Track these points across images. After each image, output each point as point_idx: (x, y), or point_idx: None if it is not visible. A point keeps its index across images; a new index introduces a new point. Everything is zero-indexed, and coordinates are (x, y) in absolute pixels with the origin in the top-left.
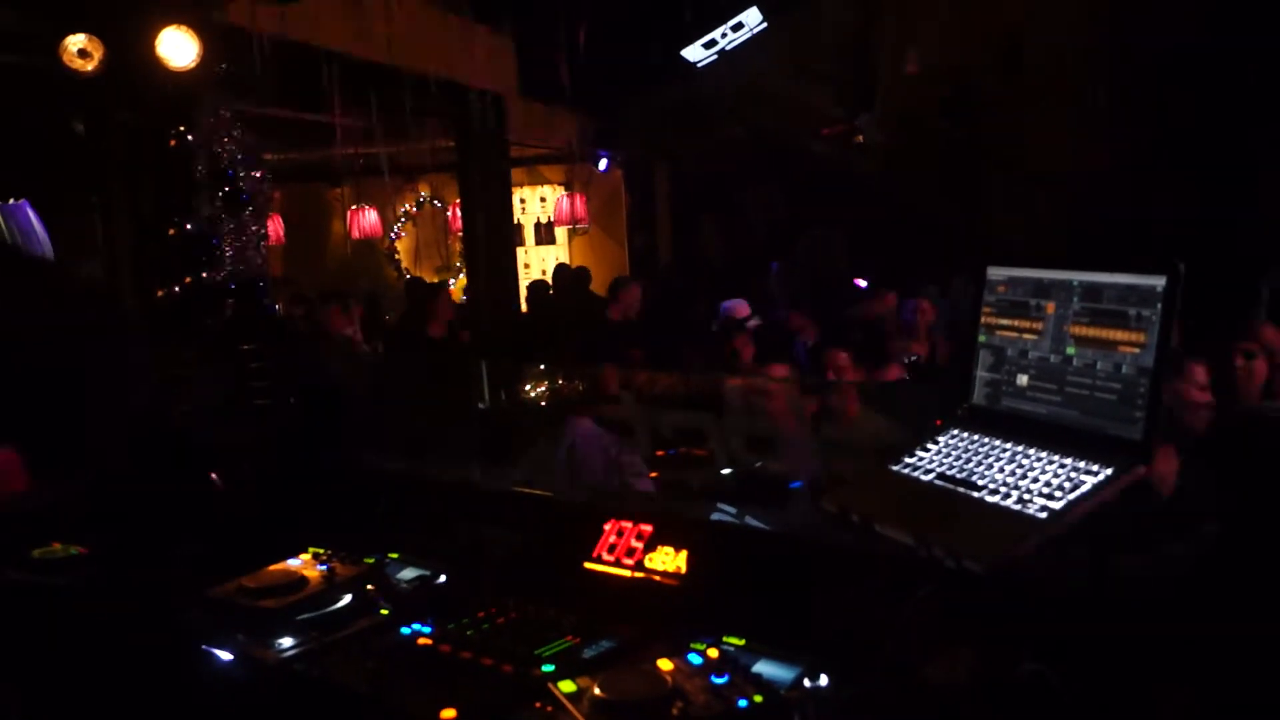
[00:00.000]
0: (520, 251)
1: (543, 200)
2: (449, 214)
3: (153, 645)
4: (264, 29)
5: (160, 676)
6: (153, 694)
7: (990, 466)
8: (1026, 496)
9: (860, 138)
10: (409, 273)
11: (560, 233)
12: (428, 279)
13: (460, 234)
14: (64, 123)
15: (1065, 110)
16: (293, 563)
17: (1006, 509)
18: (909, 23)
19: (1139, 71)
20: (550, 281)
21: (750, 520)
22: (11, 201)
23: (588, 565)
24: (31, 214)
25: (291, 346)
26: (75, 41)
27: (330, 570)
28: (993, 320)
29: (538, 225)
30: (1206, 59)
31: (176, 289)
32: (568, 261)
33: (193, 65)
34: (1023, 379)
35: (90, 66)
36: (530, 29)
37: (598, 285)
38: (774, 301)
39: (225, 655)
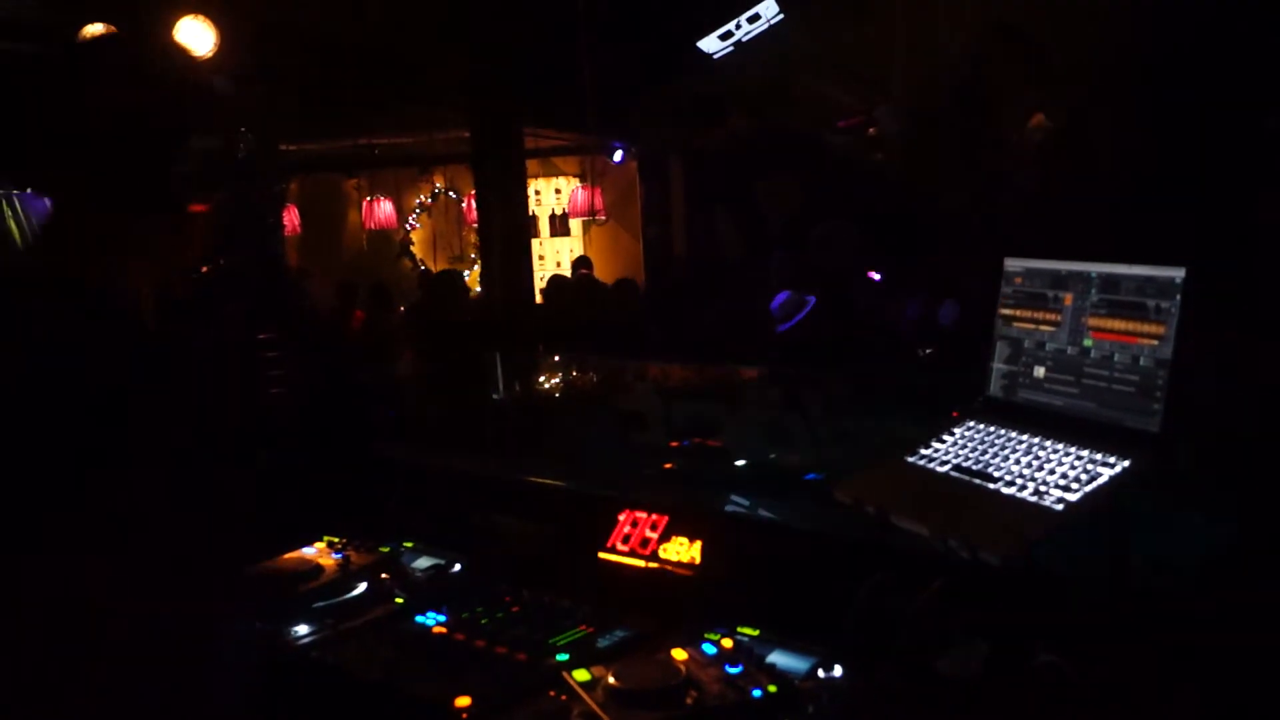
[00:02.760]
0: (535, 243)
1: (558, 192)
2: (464, 205)
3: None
4: (281, 19)
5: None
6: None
7: (1007, 458)
8: (1043, 488)
9: (873, 130)
10: (423, 264)
11: (575, 224)
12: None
13: (475, 225)
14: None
15: (1078, 99)
16: (308, 551)
17: (1023, 501)
18: (924, 12)
19: (1155, 59)
20: (570, 275)
21: (764, 512)
22: (29, 191)
23: (602, 555)
24: (48, 204)
25: (310, 336)
26: (93, 30)
27: (345, 558)
28: (1010, 312)
29: (553, 217)
30: (1219, 50)
31: (193, 278)
32: (585, 254)
33: (210, 55)
34: (1040, 371)
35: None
36: (546, 19)
37: (613, 277)
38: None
39: None
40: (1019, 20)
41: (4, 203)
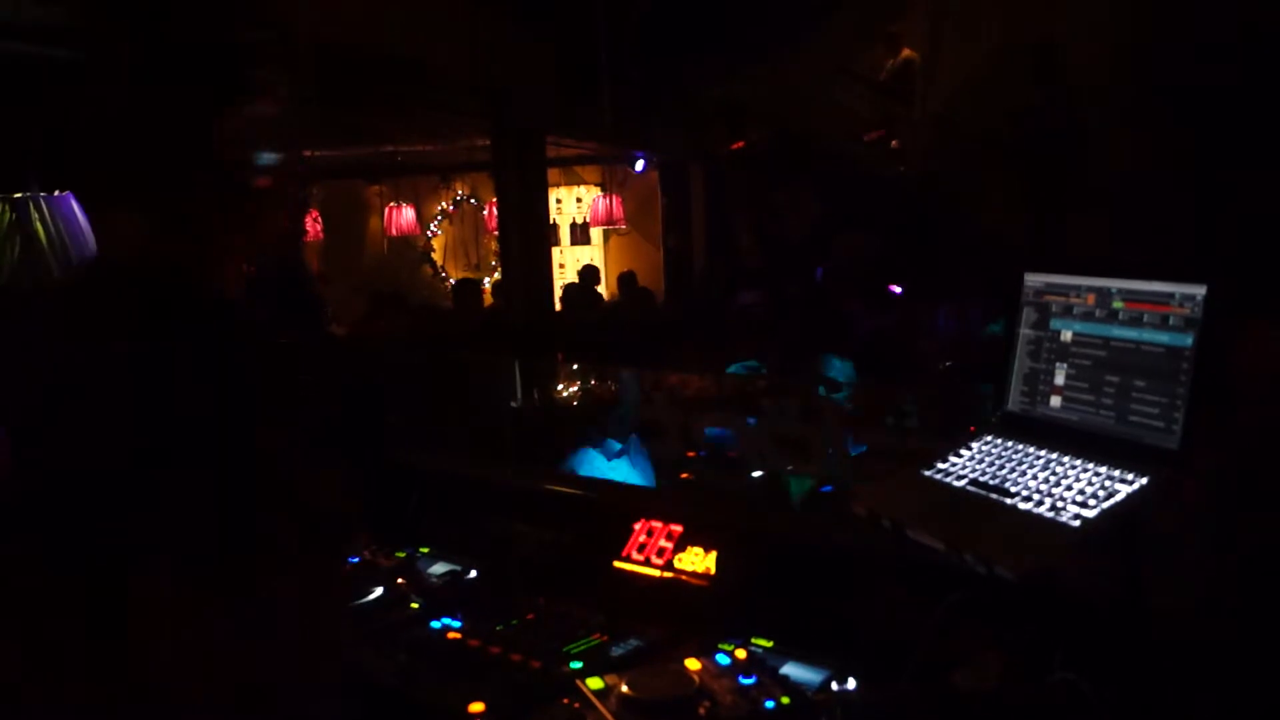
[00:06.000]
0: (556, 252)
1: (579, 200)
2: (485, 213)
3: None
4: (302, 26)
5: None
6: None
7: (1024, 473)
8: (1060, 504)
9: (895, 143)
10: (444, 271)
11: (595, 233)
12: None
13: (496, 233)
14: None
15: (1104, 114)
16: None
17: (1039, 516)
18: (946, 26)
19: (1179, 71)
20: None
21: (779, 523)
22: (56, 193)
23: (617, 564)
24: (75, 206)
25: (329, 341)
26: None
27: (362, 563)
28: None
29: (573, 226)
30: (1248, 56)
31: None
32: (604, 263)
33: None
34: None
35: None
36: (569, 28)
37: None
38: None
39: None
40: (1041, 26)
41: (31, 205)
